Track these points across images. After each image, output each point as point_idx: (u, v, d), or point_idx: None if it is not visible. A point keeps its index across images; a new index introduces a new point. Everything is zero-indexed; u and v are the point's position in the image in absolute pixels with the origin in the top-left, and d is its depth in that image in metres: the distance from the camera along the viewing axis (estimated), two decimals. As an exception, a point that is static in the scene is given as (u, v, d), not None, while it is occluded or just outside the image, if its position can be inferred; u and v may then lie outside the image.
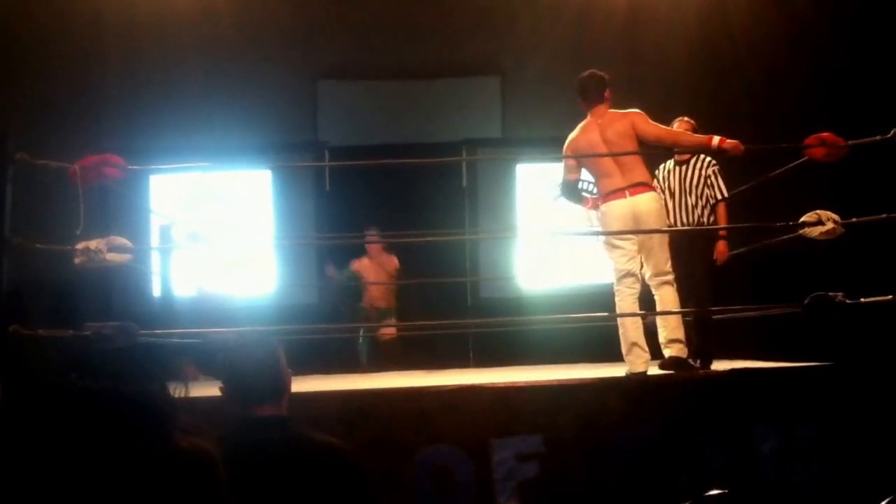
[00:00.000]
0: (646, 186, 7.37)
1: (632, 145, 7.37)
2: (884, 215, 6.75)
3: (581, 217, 12.54)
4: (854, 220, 6.88)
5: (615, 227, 7.29)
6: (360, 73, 12.95)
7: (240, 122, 12.12)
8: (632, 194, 7.27)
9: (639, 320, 7.30)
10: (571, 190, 7.70)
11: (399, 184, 12.22)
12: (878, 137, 6.83)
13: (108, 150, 8.59)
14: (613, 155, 7.31)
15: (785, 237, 7.20)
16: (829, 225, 6.76)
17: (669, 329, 7.38)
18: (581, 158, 7.45)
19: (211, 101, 12.21)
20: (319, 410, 5.47)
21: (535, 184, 12.81)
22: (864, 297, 6.52)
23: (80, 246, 6.52)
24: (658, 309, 7.40)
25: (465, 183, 12.85)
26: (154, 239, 11.13)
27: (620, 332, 7.33)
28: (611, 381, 6.62)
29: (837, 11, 10.98)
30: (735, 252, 8.62)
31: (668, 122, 7.93)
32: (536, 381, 6.60)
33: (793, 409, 6.16)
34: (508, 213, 12.76)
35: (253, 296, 11.47)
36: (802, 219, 6.87)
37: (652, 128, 7.44)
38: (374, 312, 11.16)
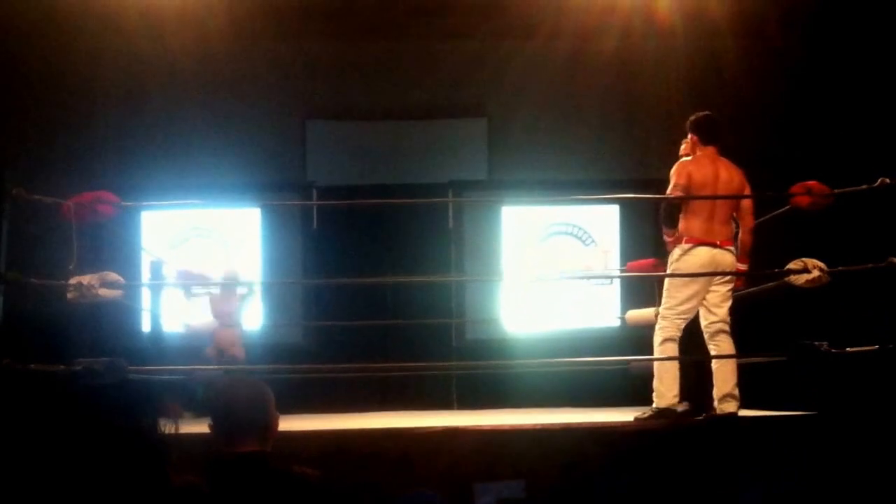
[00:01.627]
0: (730, 242, 7.34)
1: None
2: (870, 264, 6.80)
3: (574, 261, 12.66)
4: (840, 268, 6.93)
5: (693, 271, 7.24)
6: (349, 113, 12.98)
7: (230, 160, 12.12)
8: (721, 246, 7.26)
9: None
10: (673, 212, 7.48)
11: (386, 223, 12.25)
12: (864, 186, 6.88)
13: (101, 186, 8.65)
14: (735, 198, 7.31)
15: (771, 284, 7.25)
16: (815, 273, 6.81)
17: (727, 382, 7.24)
18: (691, 189, 7.31)
19: (202, 139, 12.24)
20: (301, 450, 5.47)
21: (520, 226, 12.84)
22: (850, 347, 6.55)
23: (72, 281, 6.57)
24: (715, 363, 7.27)
25: (451, 224, 12.86)
26: (145, 275, 11.12)
27: (659, 365, 7.26)
28: (594, 427, 6.64)
29: (829, 58, 11.06)
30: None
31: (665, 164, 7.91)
32: (520, 426, 6.62)
33: (777, 458, 6.18)
34: (494, 254, 12.77)
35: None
36: (788, 266, 6.91)
37: (750, 201, 7.44)
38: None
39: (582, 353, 9.76)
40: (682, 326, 7.28)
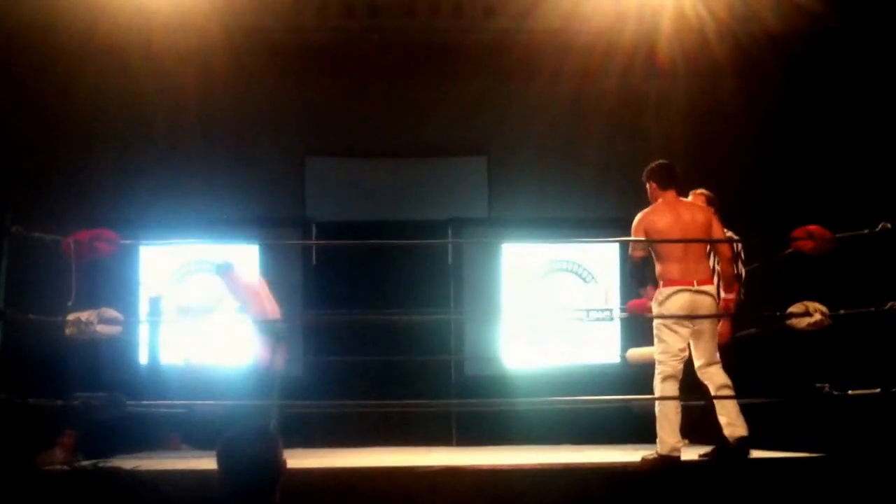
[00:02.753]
0: (709, 280, 7.33)
1: (705, 238, 7.35)
2: (872, 308, 6.80)
3: (574, 298, 12.66)
4: (842, 311, 6.93)
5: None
6: (349, 150, 13.02)
7: (229, 196, 12.13)
8: (698, 284, 7.25)
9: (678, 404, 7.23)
10: (639, 268, 7.60)
11: (385, 260, 12.25)
12: (865, 231, 6.89)
13: (100, 221, 8.65)
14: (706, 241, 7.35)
15: (772, 327, 7.24)
16: (817, 316, 6.81)
17: (729, 411, 7.19)
18: (650, 237, 7.35)
19: (202, 175, 12.27)
20: (302, 488, 5.47)
21: (520, 263, 12.85)
22: (852, 390, 6.55)
23: (71, 317, 6.57)
24: (713, 390, 7.25)
25: (450, 261, 12.87)
26: (143, 310, 11.12)
27: (659, 410, 7.19)
28: (594, 466, 6.63)
29: (829, 100, 11.10)
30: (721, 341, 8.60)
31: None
32: (520, 465, 6.61)
33: (781, 500, 6.17)
34: (493, 291, 12.78)
35: (239, 367, 11.43)
36: (790, 309, 6.91)
37: (720, 233, 7.46)
38: None
39: (582, 390, 9.73)
40: (680, 366, 7.26)
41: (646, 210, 7.45)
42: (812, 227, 7.20)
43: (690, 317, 7.14)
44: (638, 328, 11.47)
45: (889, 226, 6.78)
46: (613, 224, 12.13)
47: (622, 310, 11.47)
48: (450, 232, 12.69)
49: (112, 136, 12.16)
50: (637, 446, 8.54)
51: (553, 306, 12.73)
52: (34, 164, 11.72)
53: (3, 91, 11.11)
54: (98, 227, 7.23)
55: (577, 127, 12.49)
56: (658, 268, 7.35)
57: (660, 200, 7.46)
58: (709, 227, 7.38)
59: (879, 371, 7.66)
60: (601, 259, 12.77)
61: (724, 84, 11.54)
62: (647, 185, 7.66)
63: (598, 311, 12.60)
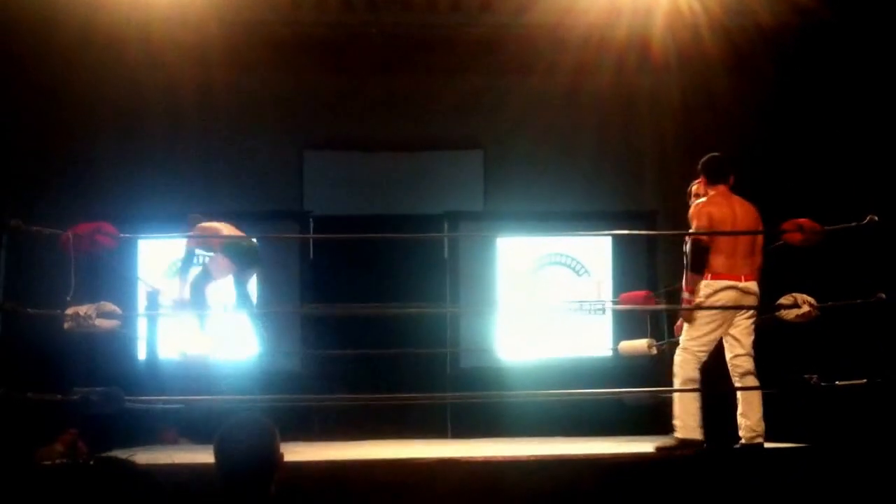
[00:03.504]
0: (753, 276, 7.36)
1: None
2: (859, 300, 6.86)
3: (567, 291, 12.72)
4: (830, 303, 6.99)
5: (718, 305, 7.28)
6: (346, 144, 13.06)
7: (227, 189, 12.19)
8: (745, 280, 7.30)
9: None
10: (702, 255, 7.46)
11: (382, 254, 12.29)
12: (854, 224, 6.96)
13: (99, 215, 8.71)
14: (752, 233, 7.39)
15: (761, 317, 7.30)
16: (805, 308, 6.86)
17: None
18: (712, 228, 7.33)
19: (200, 169, 12.30)
20: (298, 481, 5.51)
21: (514, 256, 12.90)
22: (839, 381, 6.61)
23: (69, 311, 6.60)
24: (742, 396, 7.27)
25: (446, 254, 12.93)
26: (141, 304, 11.16)
27: (677, 398, 7.27)
28: (587, 458, 6.68)
29: (822, 94, 11.14)
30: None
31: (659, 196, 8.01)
32: (514, 457, 6.66)
33: (769, 490, 6.22)
34: (489, 284, 12.83)
35: (236, 361, 11.48)
36: (778, 301, 6.97)
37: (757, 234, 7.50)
38: None
39: (575, 383, 9.80)
40: (703, 360, 7.31)
41: (703, 200, 7.48)
42: (801, 220, 7.24)
43: (698, 308, 7.20)
44: (629, 322, 11.57)
45: (876, 218, 6.84)
46: (608, 217, 12.28)
47: (614, 302, 11.54)
48: (445, 225, 12.75)
49: (110, 130, 12.17)
50: (629, 438, 8.64)
51: (547, 299, 12.77)
52: (32, 159, 11.73)
53: (1, 84, 11.16)
54: (97, 221, 7.27)
55: (571, 121, 12.53)
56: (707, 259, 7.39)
57: (713, 193, 7.50)
58: (759, 222, 7.45)
59: (868, 362, 7.74)
60: (594, 252, 12.82)
61: (717, 78, 11.56)
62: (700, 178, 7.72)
63: (590, 303, 12.68)
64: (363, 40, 12.04)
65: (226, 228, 9.65)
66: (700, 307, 7.27)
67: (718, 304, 7.23)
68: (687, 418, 7.16)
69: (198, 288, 9.58)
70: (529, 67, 11.93)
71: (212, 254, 9.66)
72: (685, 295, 7.54)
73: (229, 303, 10.14)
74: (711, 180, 7.55)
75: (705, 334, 7.28)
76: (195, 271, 9.57)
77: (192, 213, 9.88)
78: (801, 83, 11.27)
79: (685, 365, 7.31)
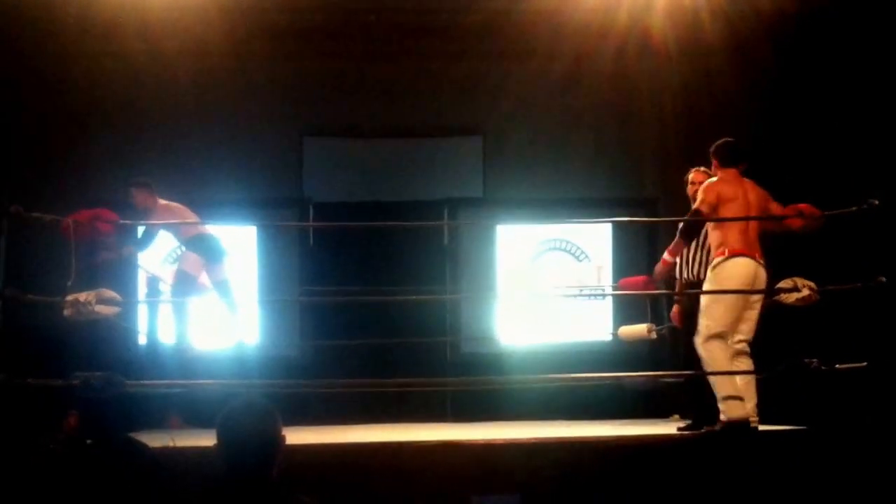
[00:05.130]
0: (763, 257, 7.40)
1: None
2: (859, 283, 6.86)
3: (567, 276, 12.72)
4: (830, 287, 6.99)
5: (732, 284, 7.25)
6: (346, 130, 13.06)
7: (227, 176, 12.16)
8: (758, 259, 7.33)
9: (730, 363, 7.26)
10: (696, 226, 7.61)
11: (382, 240, 12.29)
12: (854, 208, 6.95)
13: (98, 202, 8.72)
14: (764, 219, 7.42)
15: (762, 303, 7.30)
16: (805, 292, 6.85)
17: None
18: (719, 205, 7.38)
19: (200, 156, 12.28)
20: (299, 464, 5.51)
21: (514, 242, 12.90)
22: (840, 364, 6.61)
23: (69, 298, 6.60)
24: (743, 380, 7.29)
25: (446, 241, 12.93)
26: (141, 291, 11.17)
27: (715, 383, 7.21)
28: (588, 441, 6.68)
29: (820, 77, 11.13)
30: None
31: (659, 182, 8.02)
32: (515, 439, 6.66)
33: (768, 473, 6.24)
34: (489, 270, 12.83)
35: (232, 346, 11.46)
36: (778, 285, 6.97)
37: (779, 209, 7.50)
38: None
39: (575, 367, 9.80)
40: (725, 341, 7.28)
41: (714, 179, 7.50)
42: (802, 206, 7.25)
43: (674, 293, 7.20)
44: (629, 306, 11.58)
45: (877, 202, 6.83)
46: (607, 203, 12.29)
47: (614, 287, 11.55)
48: (445, 212, 12.75)
49: (110, 118, 12.14)
50: (628, 421, 8.66)
51: (547, 285, 12.78)
52: (32, 145, 11.73)
53: (1, 72, 11.16)
54: (97, 208, 7.28)
55: (572, 107, 12.54)
56: (718, 236, 7.37)
57: (721, 174, 7.52)
58: (767, 203, 7.46)
59: (868, 345, 7.74)
60: (594, 238, 12.82)
61: (717, 64, 11.56)
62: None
63: (590, 288, 12.69)
64: (362, 26, 12.03)
65: (185, 212, 9.74)
66: (704, 292, 7.29)
67: (736, 276, 7.23)
68: (729, 397, 7.08)
69: (183, 288, 9.68)
70: (529, 53, 11.94)
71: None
72: (666, 256, 7.60)
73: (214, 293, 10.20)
74: (723, 163, 7.57)
75: (721, 315, 7.25)
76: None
77: (135, 178, 9.91)
78: (800, 68, 11.26)
79: (707, 340, 7.24)
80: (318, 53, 12.56)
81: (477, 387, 11.02)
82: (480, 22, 11.78)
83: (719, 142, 7.67)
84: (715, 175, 7.61)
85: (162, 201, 9.88)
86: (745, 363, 7.36)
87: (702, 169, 8.16)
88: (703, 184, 7.55)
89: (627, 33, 11.39)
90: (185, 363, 10.12)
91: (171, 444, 6.31)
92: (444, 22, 11.93)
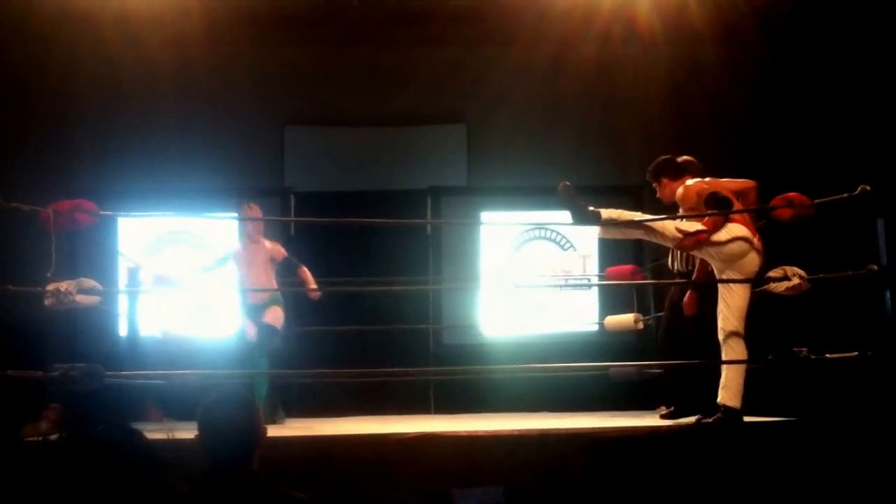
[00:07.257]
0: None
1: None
2: (849, 272, 6.81)
3: (552, 265, 12.66)
4: (820, 275, 6.94)
5: (738, 243, 6.99)
6: (327, 119, 12.97)
7: (207, 166, 12.11)
8: (757, 241, 7.11)
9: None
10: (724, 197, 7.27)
11: (365, 229, 12.19)
12: (844, 195, 6.89)
13: (78, 192, 8.64)
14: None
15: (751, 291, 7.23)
16: (795, 280, 6.82)
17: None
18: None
19: (180, 145, 12.22)
20: (281, 456, 5.46)
21: (498, 230, 12.83)
22: (830, 353, 6.57)
23: (50, 287, 6.56)
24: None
25: (429, 230, 12.85)
26: (122, 281, 11.09)
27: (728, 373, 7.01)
28: (572, 433, 6.63)
29: (807, 64, 11.11)
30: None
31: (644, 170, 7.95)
32: (498, 431, 6.62)
33: (758, 464, 6.19)
34: (472, 260, 12.76)
35: (217, 338, 11.40)
36: (769, 274, 6.92)
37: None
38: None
39: (560, 358, 9.75)
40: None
41: (691, 182, 7.40)
42: (791, 195, 7.16)
43: (671, 283, 7.15)
44: (615, 296, 11.53)
45: (868, 189, 6.77)
46: (592, 191, 12.17)
47: (601, 277, 11.49)
48: (429, 200, 12.69)
49: (88, 107, 12.06)
50: (614, 413, 8.60)
51: (532, 274, 12.71)
52: (10, 136, 11.66)
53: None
54: (77, 198, 7.22)
55: (556, 94, 12.46)
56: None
57: (688, 178, 7.46)
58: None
59: (858, 334, 7.70)
60: (579, 226, 12.73)
61: (704, 51, 11.55)
62: (657, 184, 7.67)
63: (576, 278, 12.63)
64: (343, 13, 11.96)
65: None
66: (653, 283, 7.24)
67: (734, 248, 7.03)
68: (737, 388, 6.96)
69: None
70: (513, 39, 11.88)
71: None
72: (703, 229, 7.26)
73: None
74: (676, 176, 7.55)
75: (740, 300, 7.01)
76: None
77: (244, 201, 9.86)
78: (788, 55, 11.24)
79: (739, 349, 7.00)
80: (299, 41, 12.50)
81: (460, 376, 10.96)
82: (463, 8, 11.74)
83: (659, 160, 7.68)
84: (672, 189, 7.56)
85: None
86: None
87: (685, 158, 8.03)
88: (691, 182, 7.43)
89: (612, 19, 11.38)
90: (171, 354, 10.07)
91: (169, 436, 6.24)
92: (426, 8, 11.88)
